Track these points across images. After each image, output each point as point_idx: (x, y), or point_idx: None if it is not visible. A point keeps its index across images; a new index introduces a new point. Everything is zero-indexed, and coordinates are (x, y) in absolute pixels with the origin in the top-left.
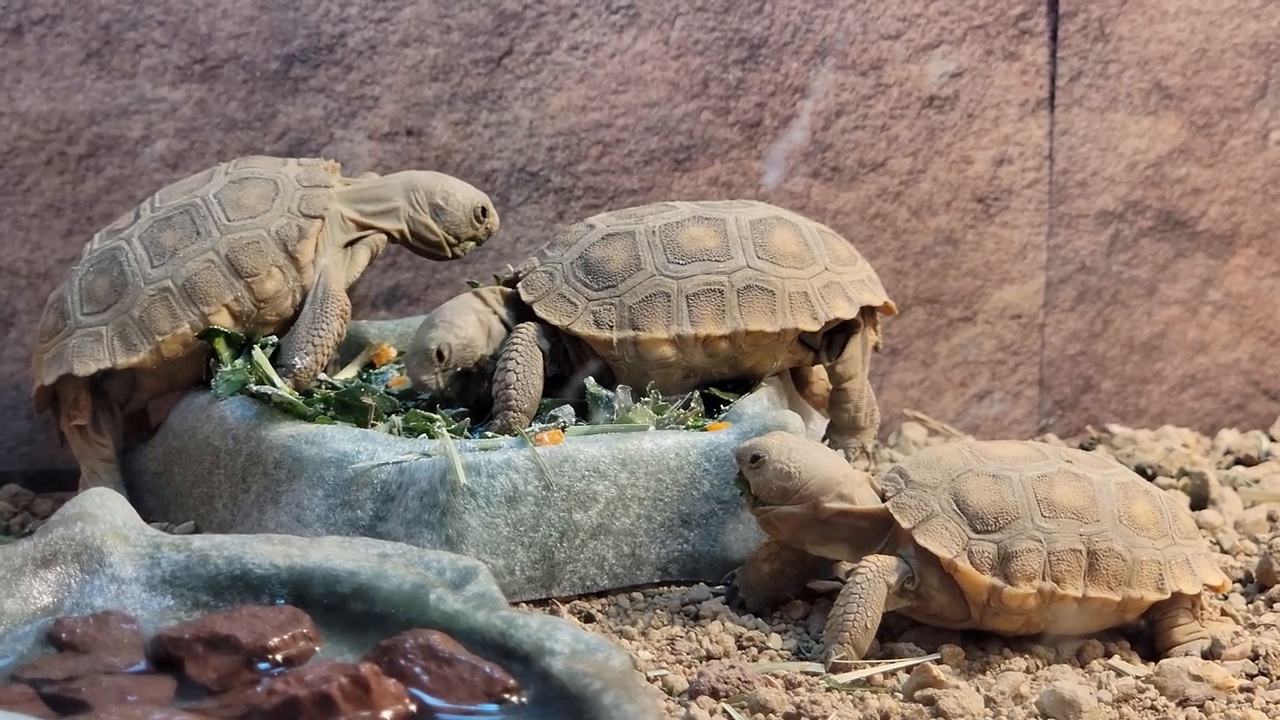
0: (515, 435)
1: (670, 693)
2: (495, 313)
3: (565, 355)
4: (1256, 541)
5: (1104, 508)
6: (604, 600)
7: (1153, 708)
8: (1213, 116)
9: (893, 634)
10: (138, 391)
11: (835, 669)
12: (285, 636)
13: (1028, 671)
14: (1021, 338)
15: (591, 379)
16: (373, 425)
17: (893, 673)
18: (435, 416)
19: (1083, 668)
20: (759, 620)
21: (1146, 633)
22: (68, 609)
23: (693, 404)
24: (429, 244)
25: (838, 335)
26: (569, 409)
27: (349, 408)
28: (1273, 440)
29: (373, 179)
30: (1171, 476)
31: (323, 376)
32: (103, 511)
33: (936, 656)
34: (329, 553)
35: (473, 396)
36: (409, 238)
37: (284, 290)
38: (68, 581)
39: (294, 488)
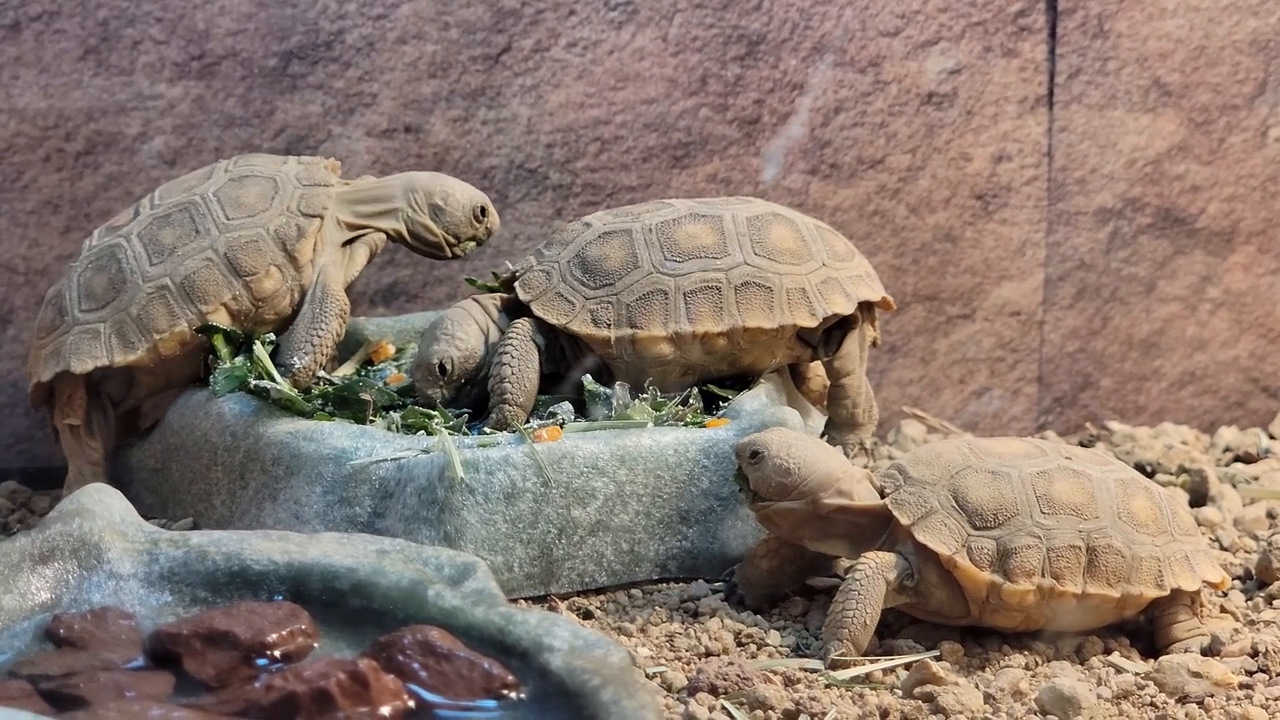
0: (511, 429)
1: (669, 689)
2: (493, 320)
3: (562, 353)
4: (1256, 538)
5: (1103, 504)
6: (603, 597)
7: (1152, 704)
8: (1212, 113)
9: (892, 631)
10: (135, 389)
11: (834, 665)
12: (283, 633)
13: (1027, 668)
14: (1020, 335)
15: (589, 376)
16: (371, 422)
17: (892, 669)
18: (434, 413)
19: (1082, 664)
20: (758, 617)
21: (1146, 629)
22: (66, 605)
23: (691, 401)
24: (429, 244)
25: (835, 331)
26: (567, 405)
27: (347, 404)
28: (1272, 437)
29: (371, 180)
30: (1171, 474)
31: (321, 374)
32: (101, 508)
33: (936, 653)
34: (327, 549)
35: (473, 398)
36: (408, 238)
37: (282, 289)
38: (66, 578)
39: (292, 484)
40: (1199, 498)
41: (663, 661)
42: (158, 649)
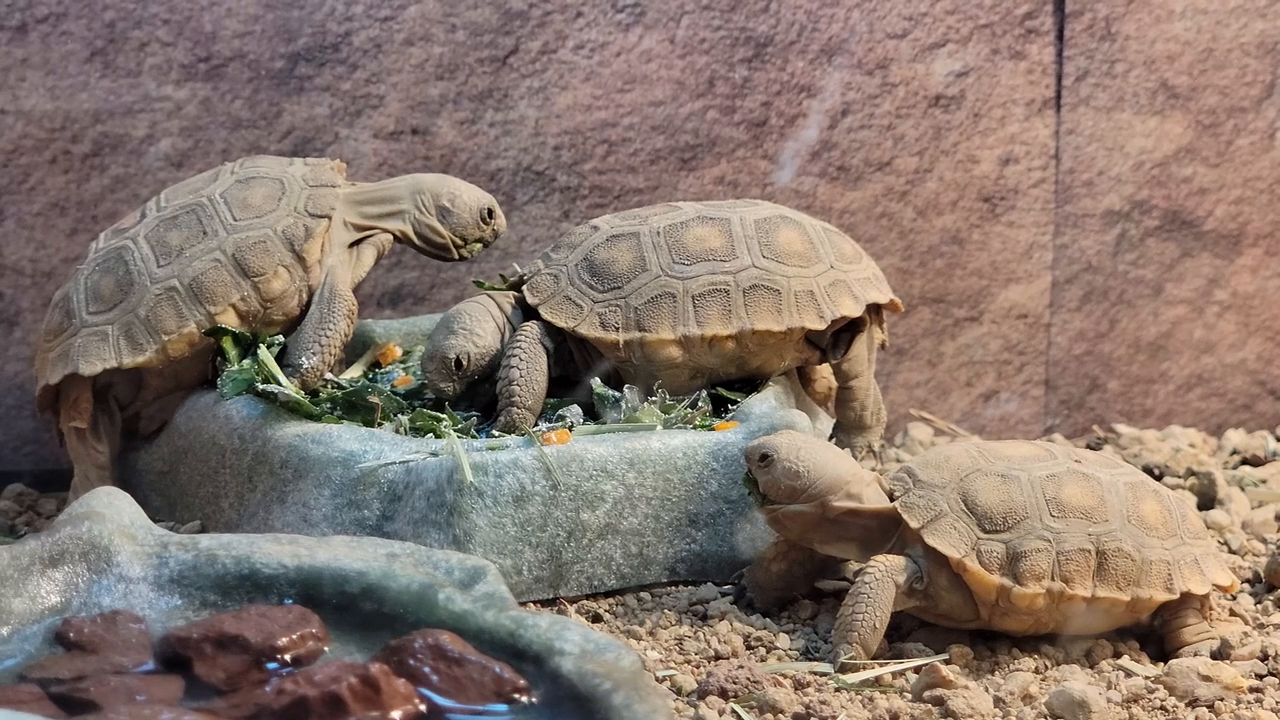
0: (519, 432)
1: (679, 693)
2: (508, 318)
3: (571, 356)
4: (1264, 542)
5: (1113, 507)
6: (611, 600)
7: (1162, 708)
8: (1219, 116)
9: (901, 634)
10: (143, 391)
11: (844, 669)
12: (294, 636)
13: (1036, 672)
14: (1028, 337)
15: (598, 379)
16: (379, 425)
17: (901, 673)
18: (442, 416)
19: (1092, 668)
20: (767, 620)
21: (1155, 633)
22: (75, 608)
23: (700, 403)
24: (436, 246)
25: (844, 334)
26: (576, 409)
27: (355, 407)
28: (1279, 440)
29: (376, 182)
30: (1179, 476)
31: (329, 376)
32: (110, 511)
33: (945, 657)
34: (337, 552)
35: (482, 400)
36: (415, 239)
37: (291, 290)
38: (75, 581)
39: (300, 487)
40: (1207, 501)
41: (672, 665)
42: (168, 653)
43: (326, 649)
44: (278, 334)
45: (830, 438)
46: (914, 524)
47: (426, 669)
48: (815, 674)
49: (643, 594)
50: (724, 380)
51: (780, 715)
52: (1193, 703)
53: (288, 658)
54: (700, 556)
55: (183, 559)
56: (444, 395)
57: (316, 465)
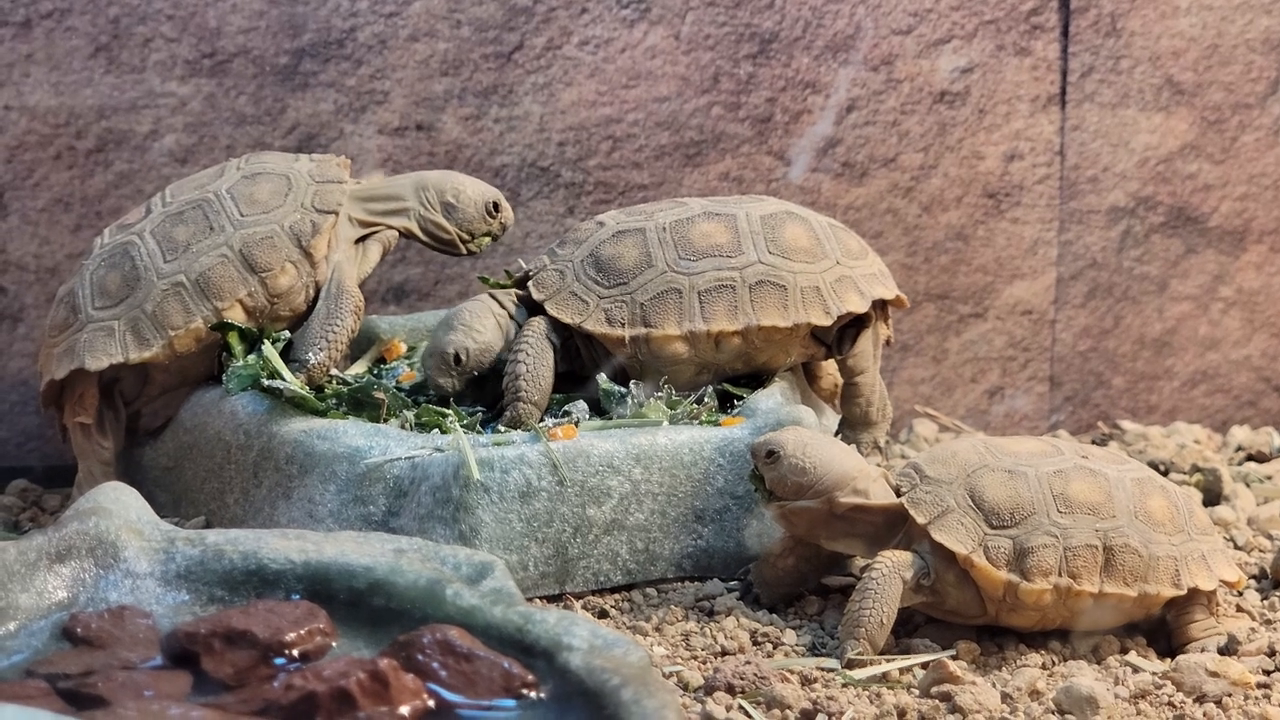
0: (525, 427)
1: (686, 689)
2: (511, 316)
3: (577, 352)
4: (1270, 538)
5: (1120, 503)
6: (618, 596)
7: (1170, 704)
8: (1224, 112)
9: (908, 630)
10: (148, 387)
11: (851, 665)
12: (302, 631)
13: (1044, 667)
14: (1032, 334)
15: (604, 375)
16: (385, 420)
17: (909, 669)
18: (448, 412)
19: (1099, 664)
20: (774, 616)
21: (1163, 629)
22: (83, 604)
23: (706, 399)
24: (442, 242)
25: (849, 329)
26: (582, 404)
27: (361, 403)
28: None
29: (382, 178)
30: (1184, 473)
31: (334, 372)
32: (117, 506)
33: (952, 652)
34: (344, 548)
35: (489, 397)
36: (422, 236)
37: (298, 285)
38: (82, 576)
39: (306, 483)
40: (1213, 497)
41: (679, 661)
42: (175, 648)
43: (334, 644)
44: (284, 329)
45: (836, 434)
46: (921, 520)
47: (435, 664)
48: (822, 670)
49: (649, 590)
50: (730, 376)
51: (787, 711)
52: (1200, 698)
53: (296, 653)
54: (706, 552)
55: (190, 554)
56: (444, 392)
57: (322, 461)
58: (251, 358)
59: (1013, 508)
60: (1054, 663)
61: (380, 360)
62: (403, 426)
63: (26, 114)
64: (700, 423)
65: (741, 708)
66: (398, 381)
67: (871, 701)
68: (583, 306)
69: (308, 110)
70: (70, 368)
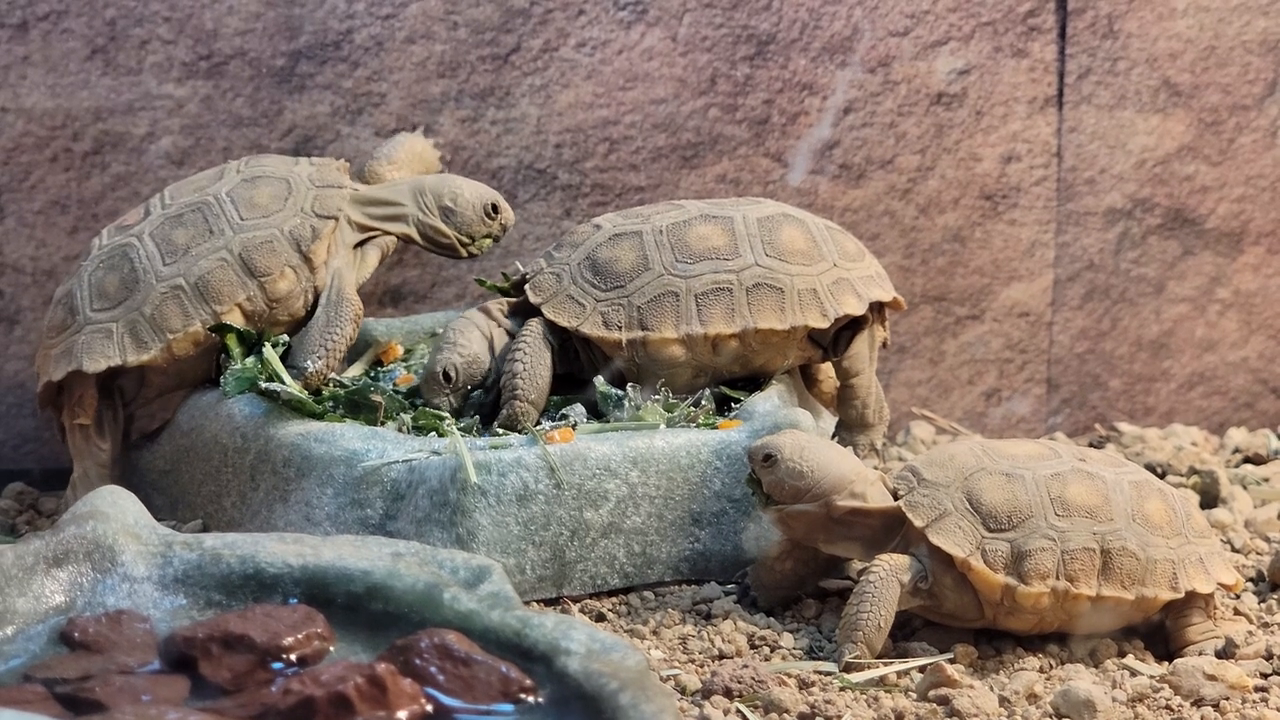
0: (521, 426)
1: (683, 692)
2: (500, 325)
3: (575, 356)
4: (1268, 540)
5: (1118, 506)
6: (615, 599)
7: (1168, 707)
8: (1221, 114)
9: (906, 633)
10: (145, 389)
11: (848, 668)
12: (299, 636)
13: (1041, 671)
14: (1029, 336)
15: (601, 378)
16: (382, 423)
17: (906, 672)
18: (445, 415)
19: (1097, 667)
20: (771, 619)
21: (1160, 632)
22: (80, 608)
23: (703, 402)
24: (442, 246)
25: (845, 332)
26: (579, 407)
27: (358, 406)
28: None
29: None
30: (1181, 475)
31: (330, 375)
32: (114, 510)
33: (950, 656)
34: (342, 551)
35: (482, 408)
36: (420, 241)
37: (297, 290)
38: (80, 580)
39: (303, 486)
40: (1210, 499)
41: (676, 664)
42: (173, 652)
43: (332, 649)
44: (283, 334)
45: (833, 436)
46: (918, 523)
47: (433, 669)
48: (820, 673)
49: (646, 593)
50: (727, 379)
51: (785, 715)
52: (1198, 702)
53: (293, 657)
54: (704, 555)
55: (187, 558)
56: (442, 411)
57: (319, 464)
58: (249, 360)
59: (1010, 511)
60: (1052, 666)
61: (377, 363)
62: (400, 429)
63: (23, 116)
64: (697, 426)
65: (739, 711)
66: (394, 384)
67: (869, 705)
68: (580, 309)
69: (304, 112)
70: (68, 369)
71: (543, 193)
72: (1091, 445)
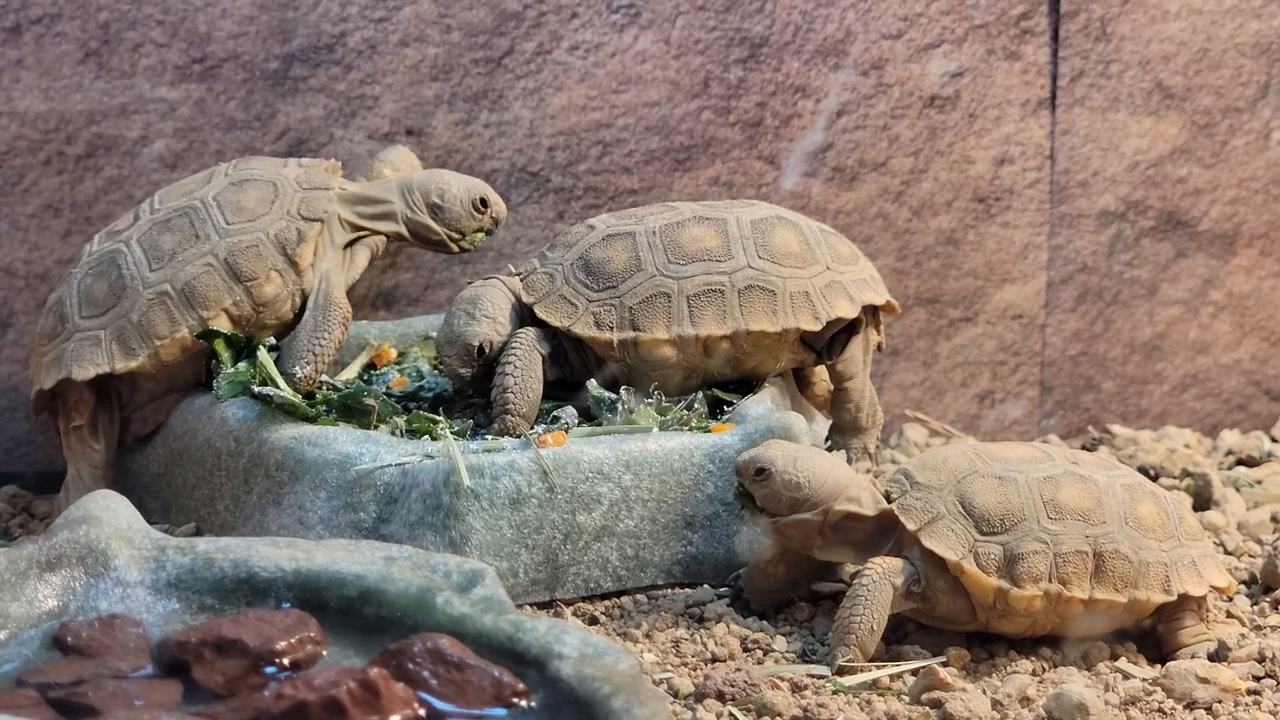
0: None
1: (676, 695)
2: (522, 304)
3: (566, 358)
4: (1260, 543)
5: (1110, 509)
6: (608, 602)
7: (1160, 710)
8: (1214, 116)
9: (899, 636)
10: (136, 394)
11: (841, 671)
12: (292, 640)
13: (1034, 674)
14: (1022, 338)
15: (594, 381)
16: (375, 427)
17: (899, 675)
18: (439, 418)
19: (1089, 670)
20: (764, 623)
21: (1153, 635)
22: (73, 612)
23: (696, 405)
24: (432, 243)
25: (839, 335)
26: (572, 410)
27: (351, 409)
28: (1274, 441)
29: (369, 182)
30: (1174, 477)
31: (324, 378)
32: (107, 514)
33: (943, 659)
34: (335, 556)
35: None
36: (411, 239)
37: (283, 294)
38: (73, 585)
39: (296, 490)
40: (1203, 502)
41: (669, 668)
42: (166, 657)
43: (325, 653)
44: (271, 337)
45: (826, 439)
46: (911, 526)
47: (425, 673)
48: (812, 677)
49: (639, 596)
50: (719, 381)
51: (778, 718)
52: (1190, 705)
53: (286, 662)
54: (697, 559)
55: (180, 562)
56: (459, 380)
57: (312, 468)
58: (242, 364)
59: (1003, 514)
60: (1044, 669)
61: (370, 366)
62: (393, 433)
63: (16, 119)
64: (690, 429)
65: (732, 715)
66: (388, 388)
67: (862, 708)
68: (571, 309)
69: (298, 115)
70: (58, 377)
71: (536, 195)
72: (1084, 448)
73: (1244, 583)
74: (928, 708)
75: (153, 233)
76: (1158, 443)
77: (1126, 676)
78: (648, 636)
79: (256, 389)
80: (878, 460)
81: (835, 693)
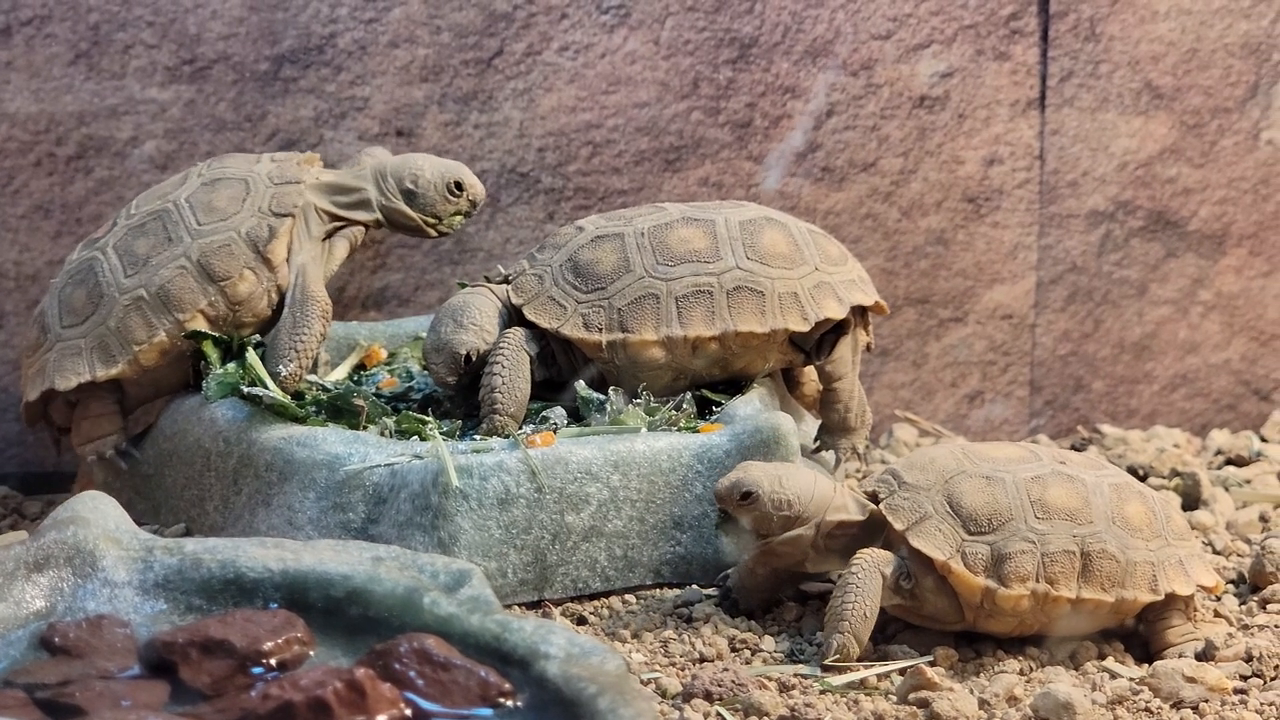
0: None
1: (664, 695)
2: (508, 310)
3: (554, 359)
4: (1249, 542)
5: (1097, 509)
6: (596, 603)
7: (1147, 710)
8: (1203, 116)
9: (886, 636)
10: (124, 400)
11: (836, 657)
12: (279, 641)
13: (1021, 673)
14: (1012, 338)
15: (582, 382)
16: (364, 427)
17: (886, 675)
18: (427, 419)
19: (1076, 669)
20: (752, 623)
21: (1140, 635)
22: (61, 613)
23: (685, 406)
24: (408, 229)
25: (828, 336)
26: (560, 410)
27: (340, 410)
28: (1264, 440)
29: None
30: (1163, 477)
31: (313, 378)
32: (95, 515)
33: (930, 659)
34: (322, 556)
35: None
36: (387, 225)
37: (258, 291)
38: (60, 585)
39: (286, 490)
40: (1191, 501)
41: (657, 667)
42: (153, 657)
43: (312, 653)
44: (252, 334)
45: (815, 440)
46: (899, 526)
47: (412, 673)
48: (800, 676)
49: (627, 596)
50: (708, 382)
51: (765, 718)
52: (1177, 704)
53: (273, 662)
54: (685, 559)
55: (168, 563)
56: (446, 388)
57: (302, 468)
58: (231, 365)
59: (990, 514)
60: (1031, 669)
61: (360, 367)
62: (382, 434)
63: (6, 121)
64: (679, 429)
65: (719, 715)
66: (377, 388)
67: (849, 708)
68: (560, 311)
69: (288, 116)
70: (41, 389)
71: (525, 196)
72: (1074, 447)
73: (1232, 582)
74: (915, 707)
75: (128, 238)
76: (1147, 442)
77: (1114, 676)
78: (636, 636)
79: (245, 389)
80: (867, 460)
81: (823, 692)
